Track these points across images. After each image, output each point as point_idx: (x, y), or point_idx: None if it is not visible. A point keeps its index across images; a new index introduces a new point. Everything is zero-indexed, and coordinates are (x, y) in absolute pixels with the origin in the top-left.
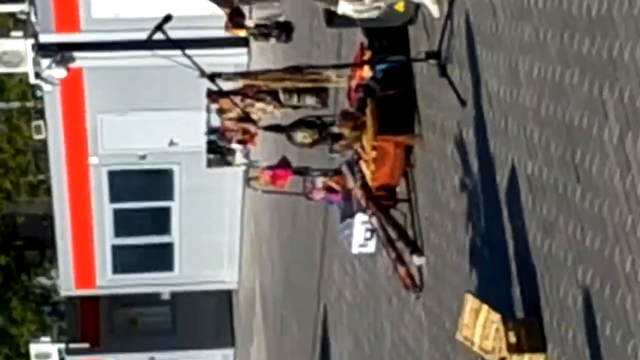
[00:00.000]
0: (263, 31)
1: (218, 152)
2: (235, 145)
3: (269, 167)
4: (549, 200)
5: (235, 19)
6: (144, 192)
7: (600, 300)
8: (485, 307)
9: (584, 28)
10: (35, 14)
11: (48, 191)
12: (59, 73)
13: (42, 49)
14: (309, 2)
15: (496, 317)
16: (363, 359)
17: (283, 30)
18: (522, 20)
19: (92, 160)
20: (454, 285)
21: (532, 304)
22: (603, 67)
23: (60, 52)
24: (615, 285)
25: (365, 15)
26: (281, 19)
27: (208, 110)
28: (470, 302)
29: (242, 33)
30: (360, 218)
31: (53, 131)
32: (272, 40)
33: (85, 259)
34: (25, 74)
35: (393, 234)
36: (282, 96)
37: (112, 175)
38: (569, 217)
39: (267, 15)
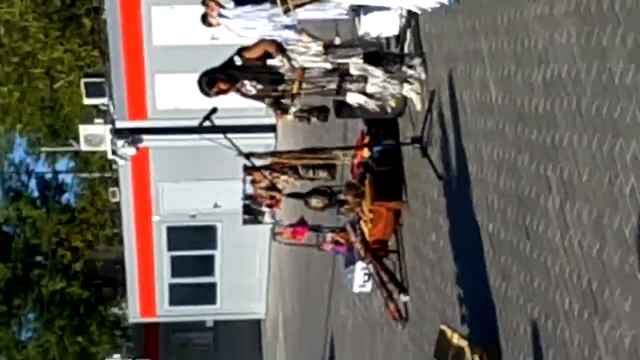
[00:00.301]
0: (305, 115)
1: (251, 213)
2: (264, 208)
3: (290, 225)
4: (505, 254)
5: (281, 106)
6: (193, 243)
7: (545, 332)
8: (456, 335)
9: (533, 121)
10: (113, 105)
11: (120, 242)
12: (130, 151)
13: (118, 133)
14: (321, 98)
15: (464, 343)
16: None
17: (321, 111)
18: (485, 114)
19: (155, 218)
20: (431, 318)
21: (493, 334)
22: (547, 151)
23: (132, 135)
24: (556, 321)
25: (369, 105)
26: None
27: (244, 181)
28: (445, 330)
29: (289, 117)
30: (360, 265)
31: (125, 196)
32: (314, 120)
33: (148, 294)
34: (105, 152)
35: (385, 278)
36: (301, 171)
37: (170, 230)
38: (520, 267)
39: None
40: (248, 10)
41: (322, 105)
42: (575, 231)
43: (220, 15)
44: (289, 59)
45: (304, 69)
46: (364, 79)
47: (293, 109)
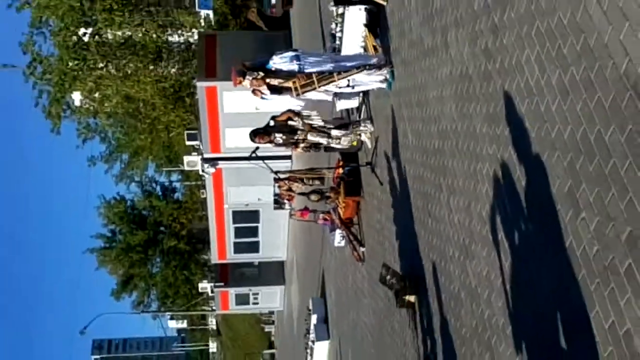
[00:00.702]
0: (308, 148)
1: (278, 203)
2: (285, 201)
3: (299, 210)
4: (418, 225)
5: (295, 145)
6: (247, 219)
7: (440, 268)
8: (392, 269)
9: (431, 152)
10: (201, 145)
11: (207, 219)
12: (212, 170)
13: (205, 160)
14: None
15: (396, 273)
16: (339, 290)
17: (317, 147)
18: (405, 149)
19: (225, 206)
20: (377, 260)
21: (412, 268)
22: (440, 169)
23: (212, 161)
24: (445, 262)
25: (341, 145)
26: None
27: (274, 186)
28: (385, 265)
29: (299, 150)
30: (338, 231)
31: (209, 194)
32: (312, 151)
33: (222, 247)
34: (198, 170)
35: (352, 238)
36: (305, 180)
37: (234, 213)
38: (426, 232)
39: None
40: (278, 96)
41: (318, 142)
42: (455, 212)
43: (262, 97)
44: (302, 119)
45: (310, 125)
46: (338, 137)
47: (302, 146)
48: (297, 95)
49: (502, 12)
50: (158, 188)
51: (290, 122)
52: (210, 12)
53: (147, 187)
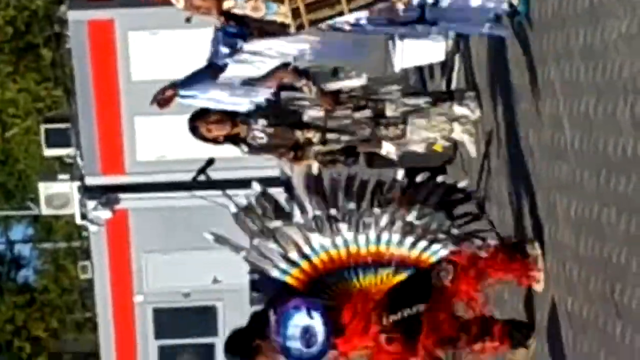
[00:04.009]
0: (329, 159)
1: (261, 290)
2: None
3: None
4: (589, 336)
5: (297, 152)
6: (188, 328)
7: None
8: None
9: (619, 167)
10: (81, 157)
11: (94, 328)
12: (105, 214)
13: (88, 191)
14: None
15: None
16: None
17: (349, 155)
18: (559, 160)
19: (138, 298)
20: None
21: None
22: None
23: (106, 194)
24: None
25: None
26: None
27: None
28: None
29: (311, 162)
30: None
31: (99, 271)
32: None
33: None
34: (72, 216)
35: None
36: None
37: (157, 313)
38: (608, 352)
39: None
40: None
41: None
42: None
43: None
44: (315, 82)
45: (333, 93)
46: (402, 121)
47: (314, 151)
48: (299, 27)
49: None
50: None
51: (285, 95)
52: None
53: None
